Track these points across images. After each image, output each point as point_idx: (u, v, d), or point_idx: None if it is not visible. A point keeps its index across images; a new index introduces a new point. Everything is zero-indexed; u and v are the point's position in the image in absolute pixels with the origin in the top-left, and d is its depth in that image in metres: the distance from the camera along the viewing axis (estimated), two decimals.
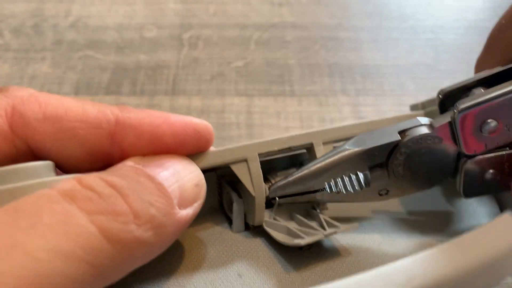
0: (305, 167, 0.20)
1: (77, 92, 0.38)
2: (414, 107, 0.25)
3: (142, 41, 0.43)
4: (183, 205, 0.16)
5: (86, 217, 0.13)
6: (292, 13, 0.48)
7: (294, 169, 0.22)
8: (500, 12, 0.23)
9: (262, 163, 0.20)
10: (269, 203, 0.21)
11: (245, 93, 0.38)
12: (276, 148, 0.20)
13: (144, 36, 0.44)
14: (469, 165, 0.20)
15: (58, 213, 0.13)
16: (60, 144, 0.17)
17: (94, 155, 0.17)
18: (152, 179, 0.15)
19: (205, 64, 0.41)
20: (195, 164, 0.18)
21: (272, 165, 0.22)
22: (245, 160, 0.20)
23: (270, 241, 0.20)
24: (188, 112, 0.36)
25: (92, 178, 0.14)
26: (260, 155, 0.20)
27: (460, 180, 0.21)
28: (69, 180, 0.14)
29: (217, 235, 0.21)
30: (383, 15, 0.48)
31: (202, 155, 0.19)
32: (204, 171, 0.19)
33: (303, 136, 0.21)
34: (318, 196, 0.20)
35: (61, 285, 0.12)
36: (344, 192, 0.20)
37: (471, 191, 0.21)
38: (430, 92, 0.23)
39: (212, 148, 0.19)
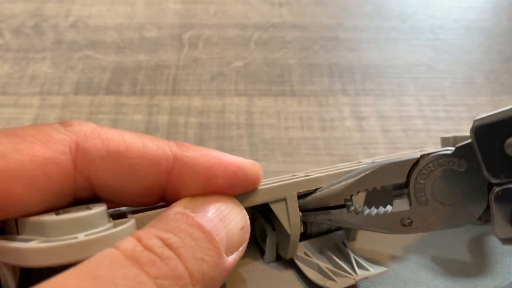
0: (327, 185, 0.20)
1: (77, 92, 0.38)
2: (445, 141, 0.24)
3: (142, 41, 0.43)
4: (229, 251, 0.17)
5: (153, 282, 0.14)
6: (292, 13, 0.48)
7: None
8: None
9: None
10: (302, 237, 0.21)
11: (245, 93, 0.38)
12: (314, 188, 0.20)
13: (144, 36, 0.44)
14: (499, 194, 0.18)
15: (130, 280, 0.13)
16: (119, 179, 0.17)
17: (149, 190, 0.18)
18: (201, 228, 0.16)
19: (205, 64, 0.41)
20: (241, 205, 0.18)
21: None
22: (284, 200, 0.20)
23: (301, 274, 0.21)
24: (188, 112, 0.36)
25: (150, 238, 0.15)
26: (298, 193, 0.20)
27: (492, 217, 0.18)
28: (130, 240, 0.15)
29: (248, 265, 0.21)
30: (383, 15, 0.48)
31: (245, 193, 0.19)
32: None
33: (343, 174, 0.21)
34: (337, 214, 0.20)
35: None
36: (364, 213, 0.20)
37: (507, 234, 0.18)
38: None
39: None
